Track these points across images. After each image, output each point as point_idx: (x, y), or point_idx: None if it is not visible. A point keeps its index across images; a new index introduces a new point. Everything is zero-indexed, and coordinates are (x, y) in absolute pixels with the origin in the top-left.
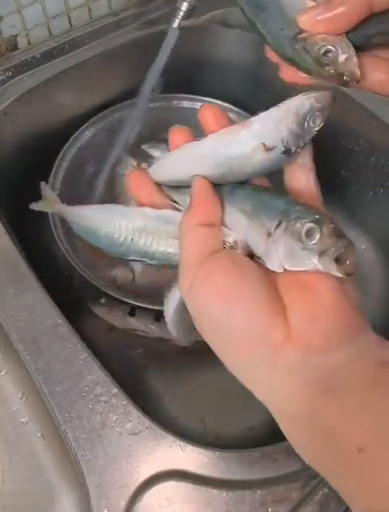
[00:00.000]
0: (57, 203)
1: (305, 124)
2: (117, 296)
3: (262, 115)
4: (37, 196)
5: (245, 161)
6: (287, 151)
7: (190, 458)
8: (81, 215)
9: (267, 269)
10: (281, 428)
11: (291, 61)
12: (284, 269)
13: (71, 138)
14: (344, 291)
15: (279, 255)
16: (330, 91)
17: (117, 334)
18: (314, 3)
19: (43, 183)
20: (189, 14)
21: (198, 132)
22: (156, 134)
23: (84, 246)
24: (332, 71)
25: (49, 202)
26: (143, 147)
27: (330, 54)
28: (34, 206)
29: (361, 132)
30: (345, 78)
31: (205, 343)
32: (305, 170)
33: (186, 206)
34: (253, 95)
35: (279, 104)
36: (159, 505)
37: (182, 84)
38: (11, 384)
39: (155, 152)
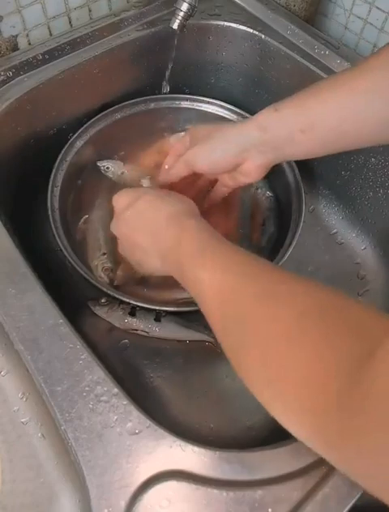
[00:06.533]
0: None
1: None
2: (117, 296)
3: None
4: (37, 196)
5: None
6: None
7: (191, 458)
8: None
9: None
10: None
11: None
12: None
13: (72, 139)
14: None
15: None
16: None
17: (117, 334)
18: None
19: None
20: (189, 15)
21: None
22: (155, 134)
23: (84, 246)
24: None
25: None
26: (99, 163)
27: None
28: None
29: None
30: None
31: (205, 343)
32: None
33: None
34: (253, 95)
35: None
36: (159, 505)
37: (182, 84)
38: (12, 384)
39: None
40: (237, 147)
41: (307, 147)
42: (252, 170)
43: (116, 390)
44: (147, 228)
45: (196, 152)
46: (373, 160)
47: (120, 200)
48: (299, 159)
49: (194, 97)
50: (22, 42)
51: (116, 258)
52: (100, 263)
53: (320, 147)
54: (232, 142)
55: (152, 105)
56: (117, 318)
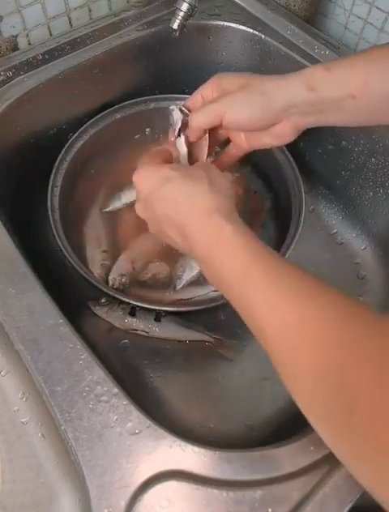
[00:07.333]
0: None
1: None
2: (117, 296)
3: None
4: (37, 196)
5: None
6: None
7: (190, 458)
8: None
9: None
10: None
11: None
12: None
13: (72, 139)
14: None
15: None
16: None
17: (117, 334)
18: None
19: None
20: (189, 15)
21: None
22: (153, 135)
23: (84, 246)
24: None
25: None
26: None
27: None
28: None
29: (361, 132)
30: None
31: (205, 343)
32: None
33: None
34: None
35: None
36: (159, 505)
37: (182, 84)
38: (12, 384)
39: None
40: (279, 103)
41: (352, 114)
42: (287, 131)
43: (116, 390)
44: (175, 222)
45: (231, 102)
46: (373, 159)
47: (142, 183)
48: (337, 125)
49: None
50: (22, 42)
51: (115, 257)
52: (99, 259)
53: (365, 117)
54: (273, 97)
55: (152, 105)
56: (117, 318)
